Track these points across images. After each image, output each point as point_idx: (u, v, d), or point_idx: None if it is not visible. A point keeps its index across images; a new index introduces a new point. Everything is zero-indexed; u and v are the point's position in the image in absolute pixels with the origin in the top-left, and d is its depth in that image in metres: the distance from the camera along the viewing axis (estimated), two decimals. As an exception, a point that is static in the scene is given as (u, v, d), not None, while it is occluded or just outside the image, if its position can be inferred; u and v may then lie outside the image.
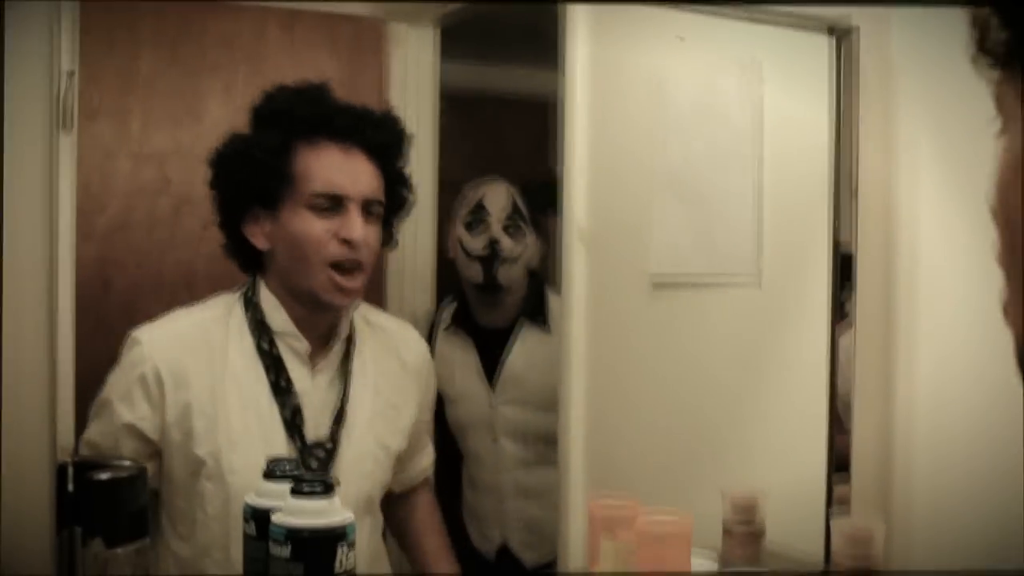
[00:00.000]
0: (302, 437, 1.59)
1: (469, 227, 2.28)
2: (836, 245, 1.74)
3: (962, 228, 1.65)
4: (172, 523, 1.61)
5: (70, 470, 1.25)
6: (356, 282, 1.59)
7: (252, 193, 1.59)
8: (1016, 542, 1.48)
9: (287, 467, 1.34)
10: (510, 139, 3.42)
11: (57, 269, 1.30)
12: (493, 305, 2.27)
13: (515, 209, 2.28)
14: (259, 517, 1.29)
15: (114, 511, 1.27)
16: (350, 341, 1.68)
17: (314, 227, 1.57)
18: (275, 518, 1.23)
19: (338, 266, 1.57)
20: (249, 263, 1.65)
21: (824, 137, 1.74)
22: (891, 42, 1.74)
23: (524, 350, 2.27)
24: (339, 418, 1.63)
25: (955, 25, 1.76)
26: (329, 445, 1.61)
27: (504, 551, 2.28)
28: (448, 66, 2.57)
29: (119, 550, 1.25)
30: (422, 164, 2.50)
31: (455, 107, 2.85)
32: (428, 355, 1.82)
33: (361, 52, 2.39)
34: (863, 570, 1.50)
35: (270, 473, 1.34)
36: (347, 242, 1.57)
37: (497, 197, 2.29)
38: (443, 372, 2.15)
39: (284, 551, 1.21)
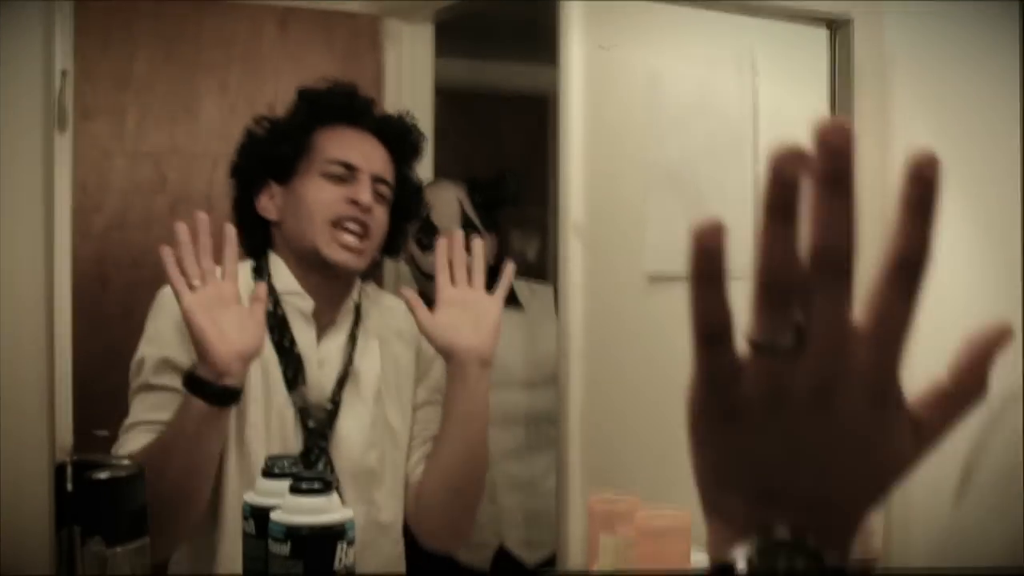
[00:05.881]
0: (303, 396, 1.61)
1: (420, 243, 2.18)
2: (832, 238, 1.74)
3: (958, 220, 1.66)
4: None
5: (69, 469, 1.25)
6: (360, 243, 1.62)
7: (269, 165, 1.66)
8: (1016, 535, 1.48)
9: (286, 465, 1.34)
10: (506, 135, 3.42)
11: (54, 268, 1.30)
12: None
13: (465, 220, 2.19)
14: (258, 515, 1.29)
15: (113, 510, 1.27)
16: (358, 310, 1.70)
17: (325, 190, 1.63)
18: (274, 516, 1.23)
19: (342, 225, 1.61)
20: (256, 245, 1.68)
21: (820, 130, 1.74)
22: (886, 34, 1.74)
23: (501, 332, 2.25)
24: (342, 381, 1.64)
25: (949, 16, 1.76)
26: (330, 406, 1.62)
27: (501, 554, 2.25)
28: (444, 62, 2.56)
29: (119, 549, 1.25)
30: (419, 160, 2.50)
31: (451, 103, 2.85)
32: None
33: (357, 49, 2.39)
34: (860, 563, 1.50)
35: (269, 471, 1.34)
36: (355, 203, 1.62)
37: (445, 209, 2.20)
38: None
39: (283, 549, 1.21)
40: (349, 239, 1.61)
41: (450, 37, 2.55)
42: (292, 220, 1.65)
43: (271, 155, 1.66)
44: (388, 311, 1.76)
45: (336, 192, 1.63)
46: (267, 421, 1.58)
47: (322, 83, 1.72)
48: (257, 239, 1.68)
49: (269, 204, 1.66)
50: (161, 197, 2.21)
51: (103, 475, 1.27)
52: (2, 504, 1.22)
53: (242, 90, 2.28)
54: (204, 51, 2.25)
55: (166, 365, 1.55)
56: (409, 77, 2.46)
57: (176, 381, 1.50)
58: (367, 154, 1.67)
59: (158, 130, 2.21)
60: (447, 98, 2.71)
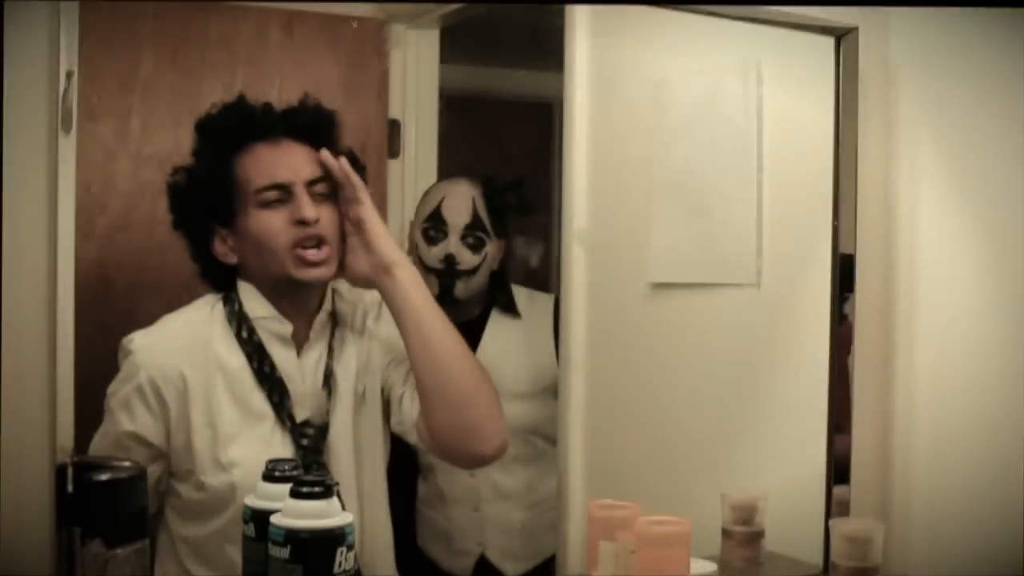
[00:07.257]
0: (292, 418, 1.61)
1: (427, 235, 2.19)
2: (836, 247, 1.74)
3: (962, 229, 1.66)
4: (180, 513, 1.63)
5: (70, 471, 1.25)
6: (322, 254, 1.63)
7: (209, 213, 1.65)
8: (1015, 545, 1.48)
9: (286, 468, 1.34)
10: (511, 141, 3.43)
11: (57, 269, 1.30)
12: (451, 308, 2.22)
13: (475, 218, 2.19)
14: (258, 519, 1.29)
15: (114, 512, 1.27)
16: (334, 318, 1.70)
17: (270, 220, 1.62)
18: (274, 520, 1.24)
19: (301, 245, 1.62)
20: (221, 280, 1.69)
21: (824, 138, 1.74)
22: (891, 43, 1.74)
23: (495, 339, 2.23)
24: (327, 394, 1.65)
25: (954, 26, 1.77)
26: (319, 421, 1.63)
27: (482, 563, 2.22)
28: (449, 67, 2.57)
29: (118, 551, 1.25)
30: (423, 166, 2.50)
31: (456, 108, 2.86)
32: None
33: (362, 53, 2.39)
34: (862, 572, 1.50)
35: (269, 475, 1.34)
36: (302, 223, 1.61)
37: (457, 205, 2.20)
38: None
39: (283, 553, 1.21)
40: (312, 255, 1.62)
41: (455, 42, 2.55)
42: (253, 258, 1.64)
43: (204, 204, 1.66)
44: (360, 305, 1.76)
45: (281, 217, 1.62)
46: (251, 452, 1.58)
47: (215, 107, 1.71)
48: (222, 276, 1.68)
49: (225, 250, 1.66)
50: (165, 199, 2.20)
51: (104, 477, 1.27)
52: (3, 505, 1.22)
53: (247, 93, 2.27)
54: (209, 53, 2.25)
55: (132, 439, 1.59)
56: (414, 82, 2.47)
57: (141, 456, 1.56)
58: (290, 164, 1.65)
59: (162, 132, 2.21)
60: (452, 103, 2.71)
